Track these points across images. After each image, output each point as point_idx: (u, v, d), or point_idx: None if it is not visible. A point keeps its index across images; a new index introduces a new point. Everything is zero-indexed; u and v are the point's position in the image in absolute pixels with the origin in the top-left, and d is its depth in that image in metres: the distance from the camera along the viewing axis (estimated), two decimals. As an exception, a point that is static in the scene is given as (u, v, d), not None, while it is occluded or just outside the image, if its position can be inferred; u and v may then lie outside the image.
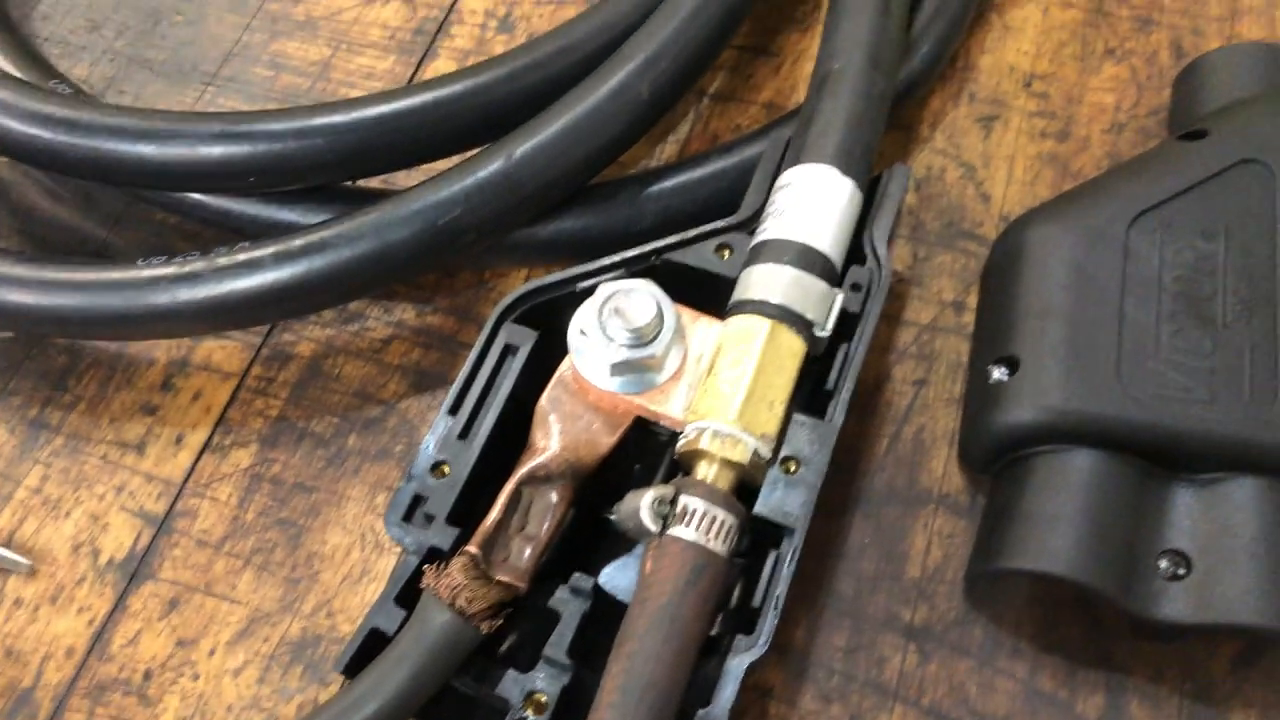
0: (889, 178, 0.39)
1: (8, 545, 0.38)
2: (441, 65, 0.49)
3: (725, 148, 0.42)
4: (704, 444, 0.32)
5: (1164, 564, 0.33)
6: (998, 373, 0.36)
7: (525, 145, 0.38)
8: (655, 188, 0.41)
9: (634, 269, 0.37)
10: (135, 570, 0.38)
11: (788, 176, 0.37)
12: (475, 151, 0.40)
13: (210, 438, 0.40)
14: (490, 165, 0.38)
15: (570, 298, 0.37)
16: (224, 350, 0.42)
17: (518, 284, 0.43)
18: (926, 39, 0.43)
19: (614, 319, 0.33)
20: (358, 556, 0.38)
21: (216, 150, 0.39)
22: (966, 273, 0.42)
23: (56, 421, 0.41)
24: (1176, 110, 0.44)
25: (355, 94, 0.48)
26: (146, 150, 0.39)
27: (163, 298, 0.37)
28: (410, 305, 0.43)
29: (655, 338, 0.33)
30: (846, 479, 0.38)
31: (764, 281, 0.35)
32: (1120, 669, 0.34)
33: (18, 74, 0.45)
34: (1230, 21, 0.47)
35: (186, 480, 0.40)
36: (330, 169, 0.40)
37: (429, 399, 0.41)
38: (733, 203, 0.40)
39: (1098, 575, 0.32)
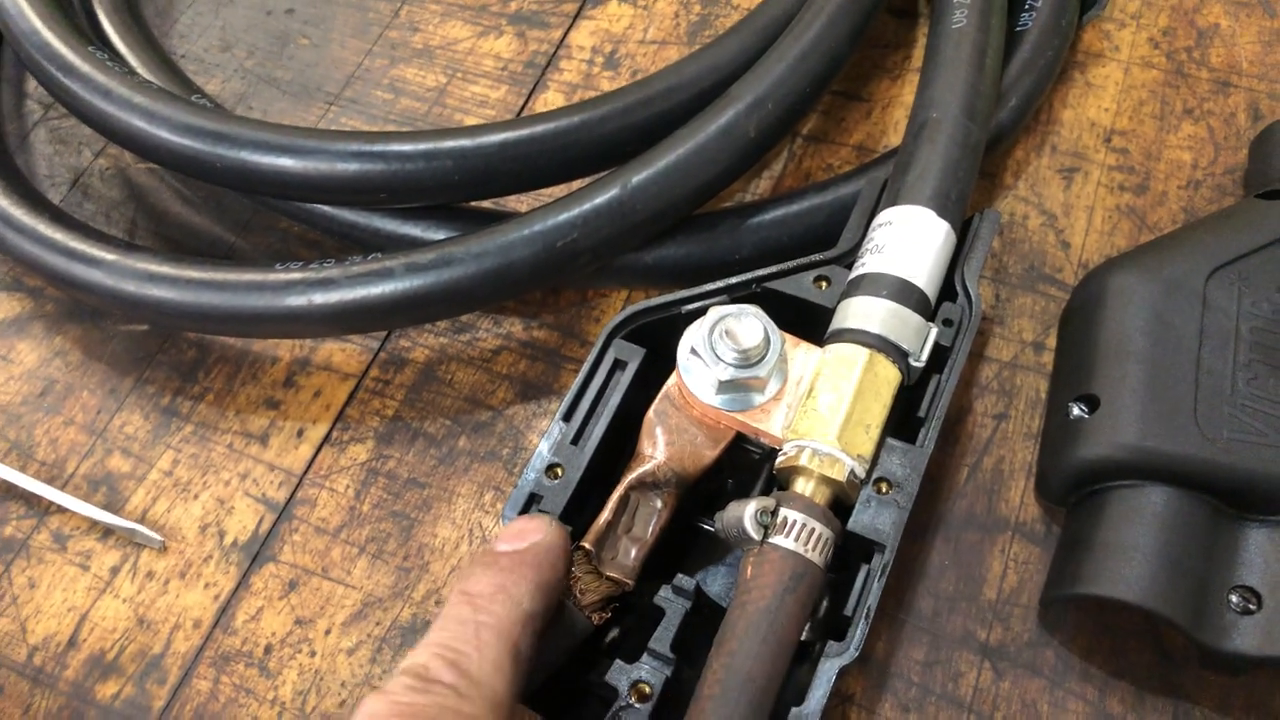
0: (980, 221, 0.41)
1: (141, 522, 0.41)
2: (551, 97, 0.52)
3: (820, 186, 0.45)
4: (803, 461, 0.35)
5: (1234, 599, 0.35)
6: (1077, 409, 0.38)
7: (639, 175, 0.41)
8: (754, 220, 0.44)
9: (736, 295, 0.40)
10: (257, 552, 0.41)
11: (887, 215, 0.40)
12: (587, 180, 0.42)
13: (329, 433, 0.43)
14: (607, 193, 0.41)
15: (675, 319, 0.40)
16: (344, 352, 0.45)
17: (617, 304, 0.46)
18: (1014, 93, 0.46)
19: (724, 340, 0.36)
20: (465, 550, 0.40)
21: (353, 167, 0.42)
22: (1046, 315, 0.44)
23: (186, 410, 0.44)
24: (1253, 170, 0.46)
25: (470, 120, 0.51)
26: (288, 163, 0.42)
27: (298, 300, 0.40)
28: (518, 320, 0.45)
29: (761, 360, 0.36)
30: (929, 503, 0.40)
31: (863, 312, 0.37)
32: (1187, 698, 0.36)
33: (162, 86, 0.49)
34: (1306, 87, 0.49)
35: (306, 471, 0.42)
36: (455, 190, 0.43)
37: (534, 407, 0.43)
38: (826, 237, 0.43)
39: (1170, 605, 0.34)
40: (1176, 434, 0.36)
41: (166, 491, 0.42)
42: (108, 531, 0.41)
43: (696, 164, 0.41)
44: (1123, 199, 0.47)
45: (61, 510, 0.42)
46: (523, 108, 0.52)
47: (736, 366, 0.36)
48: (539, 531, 0.33)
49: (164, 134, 0.43)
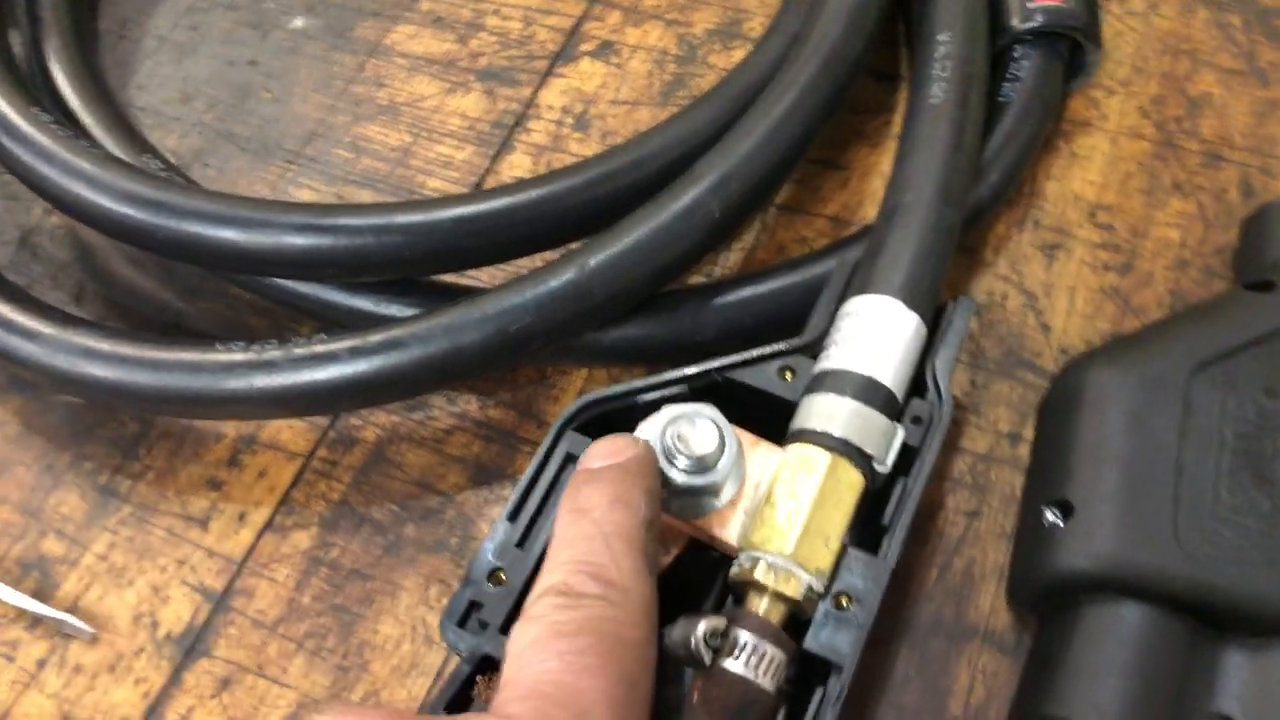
0: (954, 310, 0.39)
1: (73, 611, 0.40)
2: (517, 159, 0.50)
3: (790, 264, 0.43)
4: (758, 575, 0.33)
5: (1211, 728, 0.33)
6: (1051, 515, 0.36)
7: (597, 257, 0.39)
8: (719, 300, 0.42)
9: (696, 384, 0.38)
10: (191, 646, 0.39)
11: (853, 305, 0.38)
12: (546, 262, 0.40)
13: (272, 517, 0.41)
14: (563, 275, 0.39)
15: (631, 409, 0.38)
16: (292, 430, 0.43)
17: (578, 382, 0.44)
18: (995, 168, 0.44)
19: (676, 444, 0.34)
20: (408, 649, 0.38)
21: (299, 241, 0.40)
22: (1024, 404, 0.42)
23: (125, 490, 0.42)
24: (1243, 253, 0.44)
25: (433, 182, 0.49)
26: (231, 235, 0.40)
27: (239, 383, 0.38)
28: (473, 397, 0.44)
29: (716, 465, 0.34)
30: (895, 606, 0.38)
31: (826, 412, 0.35)
32: (1161, 827, 0.34)
33: (112, 145, 0.47)
34: (1300, 162, 0.47)
35: (246, 559, 0.41)
36: (407, 265, 0.41)
37: (486, 493, 0.42)
38: (795, 320, 0.41)
39: (1144, 735, 0.32)
40: (1154, 548, 0.34)
41: (100, 577, 0.40)
42: (36, 620, 0.40)
43: (658, 245, 0.39)
44: (1106, 279, 0.45)
45: (-11, 596, 0.40)
46: (488, 170, 0.50)
47: (689, 472, 0.34)
48: (631, 447, 0.33)
49: (101, 200, 0.41)
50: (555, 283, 0.39)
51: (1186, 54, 0.51)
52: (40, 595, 0.40)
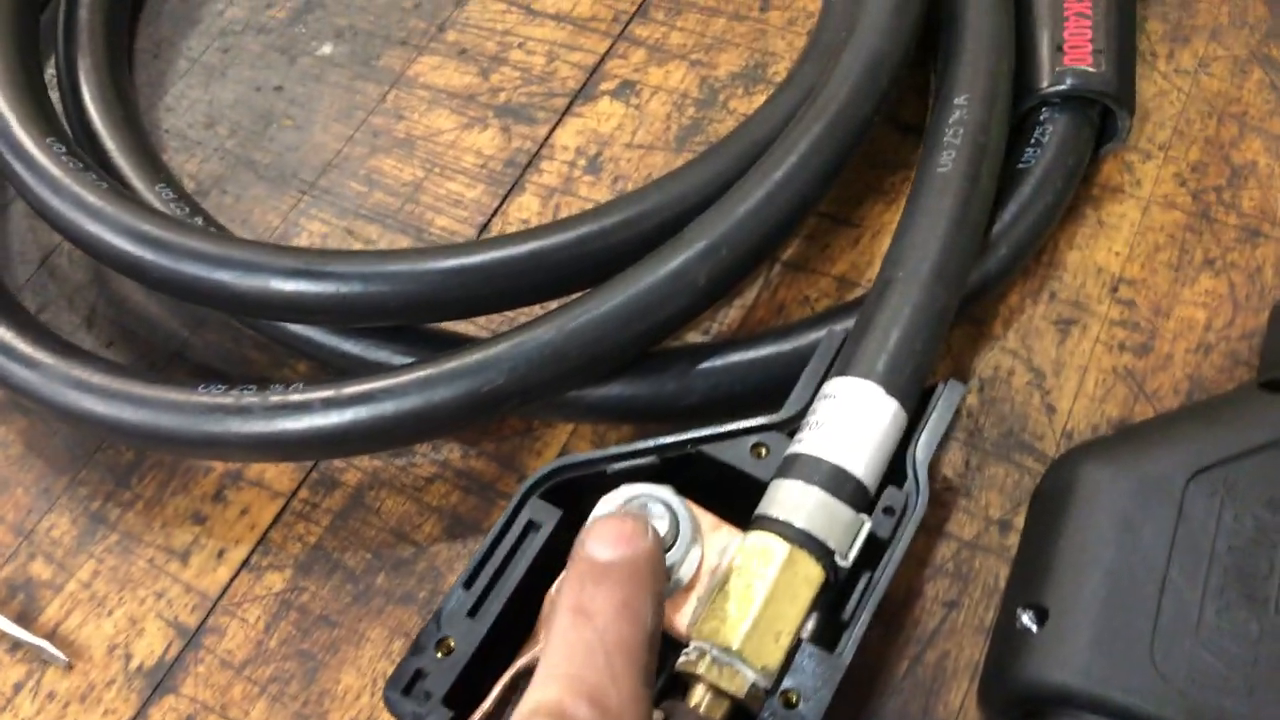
0: (941, 393, 0.38)
1: (51, 637, 0.40)
2: (526, 201, 0.49)
3: (784, 331, 0.41)
4: (701, 669, 0.32)
5: None
6: (1026, 618, 0.35)
7: (576, 320, 0.38)
8: (706, 365, 0.41)
9: (667, 455, 0.37)
10: (160, 681, 0.40)
11: (833, 386, 0.37)
12: (529, 319, 0.40)
13: (249, 556, 0.42)
14: (540, 336, 0.38)
15: (600, 476, 0.37)
16: (277, 467, 0.44)
17: (563, 435, 0.44)
18: (1005, 241, 0.42)
19: (629, 527, 0.33)
20: (366, 702, 0.39)
21: (289, 286, 0.40)
22: (1018, 490, 0.40)
23: (114, 518, 0.43)
24: (1270, 343, 0.41)
25: (440, 220, 0.49)
26: (225, 277, 0.41)
27: (216, 427, 0.39)
28: (457, 445, 0.43)
29: (668, 550, 0.33)
30: (861, 697, 0.37)
31: (791, 501, 0.34)
32: None
33: (130, 171, 0.48)
34: (1346, 243, 0.44)
35: (221, 596, 0.41)
36: (394, 314, 0.41)
37: (459, 547, 0.41)
38: (784, 388, 0.40)
39: None
40: (1127, 669, 0.32)
41: (82, 605, 0.41)
42: (17, 644, 0.41)
43: (639, 311, 0.39)
44: (1122, 360, 0.43)
45: (-26, 617, 0.41)
46: (496, 210, 0.50)
47: (640, 556, 0.33)
48: (642, 537, 0.30)
49: (106, 235, 0.42)
50: (531, 344, 0.38)
51: (1234, 118, 0.48)
52: (24, 619, 0.41)
